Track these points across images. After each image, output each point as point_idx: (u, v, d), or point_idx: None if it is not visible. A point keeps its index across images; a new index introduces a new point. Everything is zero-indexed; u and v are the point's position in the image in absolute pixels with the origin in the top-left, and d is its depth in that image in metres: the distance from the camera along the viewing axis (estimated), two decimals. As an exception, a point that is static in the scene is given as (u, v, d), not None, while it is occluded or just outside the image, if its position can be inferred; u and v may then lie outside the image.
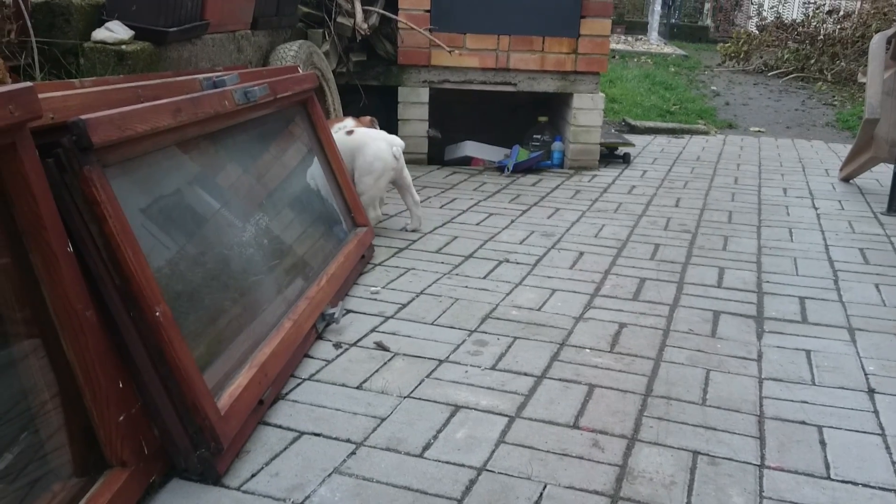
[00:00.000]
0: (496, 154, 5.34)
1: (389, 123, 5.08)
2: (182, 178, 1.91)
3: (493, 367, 2.22)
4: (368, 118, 3.64)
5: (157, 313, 1.52)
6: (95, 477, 1.43)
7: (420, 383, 2.11)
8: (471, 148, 5.36)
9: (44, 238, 1.38)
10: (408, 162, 5.03)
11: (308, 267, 2.47)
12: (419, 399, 2.02)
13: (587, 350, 2.37)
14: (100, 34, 2.41)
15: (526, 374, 2.19)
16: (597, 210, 4.11)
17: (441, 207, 4.05)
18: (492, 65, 5.01)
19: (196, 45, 2.93)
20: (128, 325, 1.52)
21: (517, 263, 3.17)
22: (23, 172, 1.35)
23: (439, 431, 1.87)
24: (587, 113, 5.08)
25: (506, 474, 1.71)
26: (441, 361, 2.25)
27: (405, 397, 2.03)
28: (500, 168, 5.06)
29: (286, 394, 2.02)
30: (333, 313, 2.38)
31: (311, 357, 2.24)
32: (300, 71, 3.04)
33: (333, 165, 3.06)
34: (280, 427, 1.86)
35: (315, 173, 2.88)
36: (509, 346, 2.37)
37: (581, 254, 3.33)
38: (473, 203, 4.16)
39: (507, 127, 5.50)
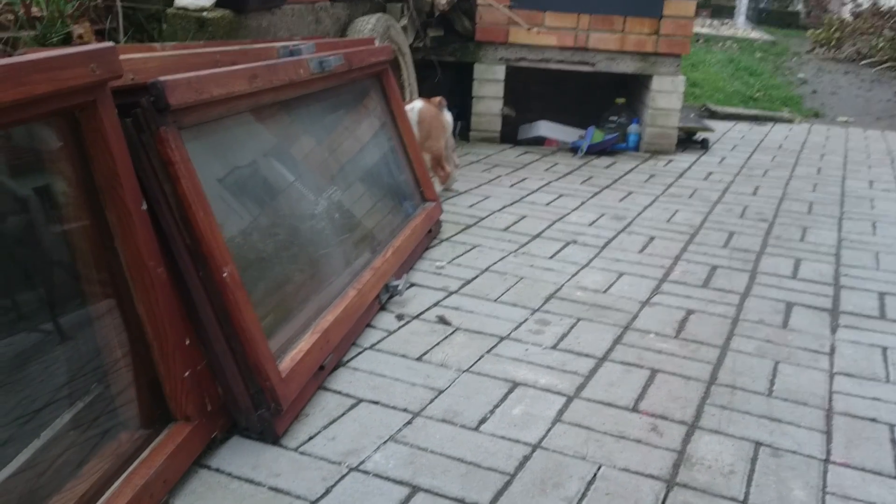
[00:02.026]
0: (570, 135, 5.28)
1: (464, 100, 5.07)
2: (256, 146, 1.95)
3: (553, 347, 2.21)
4: (438, 98, 3.64)
5: (225, 274, 1.55)
6: (160, 429, 1.48)
7: (480, 358, 2.11)
8: (544, 128, 5.31)
9: (119, 196, 1.42)
10: (480, 140, 5.05)
11: (375, 239, 2.49)
12: (478, 374, 2.02)
13: (652, 335, 2.33)
14: (182, 1, 2.46)
15: (587, 356, 2.17)
16: (670, 195, 4.03)
17: (511, 186, 4.03)
18: (570, 44, 4.94)
19: (275, 15, 2.96)
20: (196, 285, 1.56)
21: (585, 245, 3.14)
22: (102, 130, 1.39)
23: (496, 407, 1.87)
24: (666, 96, 4.97)
25: (560, 453, 1.70)
26: (502, 338, 2.25)
27: (464, 371, 2.03)
28: (574, 149, 5.01)
29: (347, 361, 2.05)
30: (397, 285, 2.40)
31: (374, 327, 2.26)
32: (376, 44, 3.05)
33: (405, 139, 3.07)
34: (339, 393, 1.88)
35: (386, 147, 2.90)
36: (572, 327, 2.35)
37: (651, 238, 3.27)
38: (544, 183, 4.13)
39: (584, 108, 5.43)
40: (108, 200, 1.41)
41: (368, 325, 2.27)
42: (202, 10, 2.47)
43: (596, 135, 4.99)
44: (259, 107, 1.96)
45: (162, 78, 1.51)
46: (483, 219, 3.41)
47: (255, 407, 1.62)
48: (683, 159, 4.96)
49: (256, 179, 1.90)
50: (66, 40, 2.06)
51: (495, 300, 2.52)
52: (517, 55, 4.97)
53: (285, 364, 1.70)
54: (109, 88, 1.42)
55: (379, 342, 2.18)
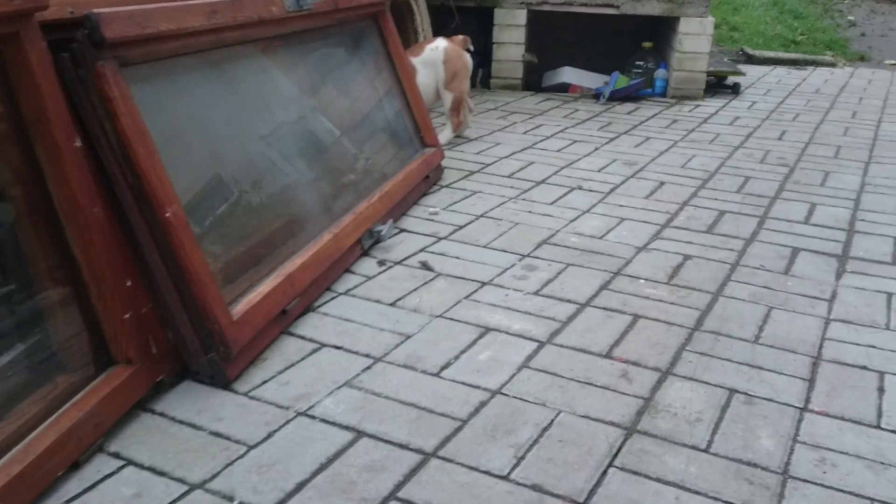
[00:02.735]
0: (595, 81, 5.13)
1: (487, 47, 4.95)
2: (221, 86, 1.89)
3: (535, 293, 2.14)
4: (461, 37, 3.54)
5: (168, 214, 1.51)
6: (100, 373, 1.45)
7: (456, 304, 2.05)
8: (568, 74, 5.17)
9: (49, 131, 1.38)
10: (501, 87, 4.93)
11: (362, 183, 2.43)
12: (450, 319, 1.97)
13: (641, 280, 2.25)
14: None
15: (569, 301, 2.10)
16: (690, 140, 3.89)
17: (524, 133, 3.93)
18: (587, -15, 4.76)
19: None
20: (141, 225, 1.53)
21: (590, 191, 3.04)
22: (27, 64, 1.35)
23: (462, 352, 1.82)
24: (694, 38, 4.78)
25: (520, 399, 1.64)
26: (483, 284, 2.19)
27: (437, 316, 1.98)
28: (597, 96, 4.86)
29: (318, 306, 2.01)
30: (381, 230, 2.34)
31: (353, 272, 2.22)
32: (373, -15, 2.96)
33: (404, 84, 2.99)
34: (303, 338, 1.85)
35: (382, 91, 2.82)
36: (559, 273, 2.28)
37: (661, 184, 3.16)
38: (559, 130, 4.01)
39: (613, 53, 5.25)
40: (36, 136, 1.38)
41: (347, 271, 2.23)
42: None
43: (620, 80, 4.83)
44: (223, 44, 1.90)
45: (97, 10, 1.46)
46: (488, 165, 3.33)
47: (205, 350, 1.59)
48: (711, 104, 4.78)
49: (219, 120, 1.85)
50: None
51: (485, 246, 2.46)
52: (538, -1, 4.81)
53: (240, 307, 1.67)
54: (35, 20, 1.37)
55: (355, 287, 2.13)
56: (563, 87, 5.15)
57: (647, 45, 5.06)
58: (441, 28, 4.91)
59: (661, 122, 4.28)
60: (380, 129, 2.73)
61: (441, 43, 3.47)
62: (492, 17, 4.89)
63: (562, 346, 1.86)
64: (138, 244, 1.55)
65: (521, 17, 4.84)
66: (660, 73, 4.98)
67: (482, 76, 5.11)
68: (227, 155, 1.84)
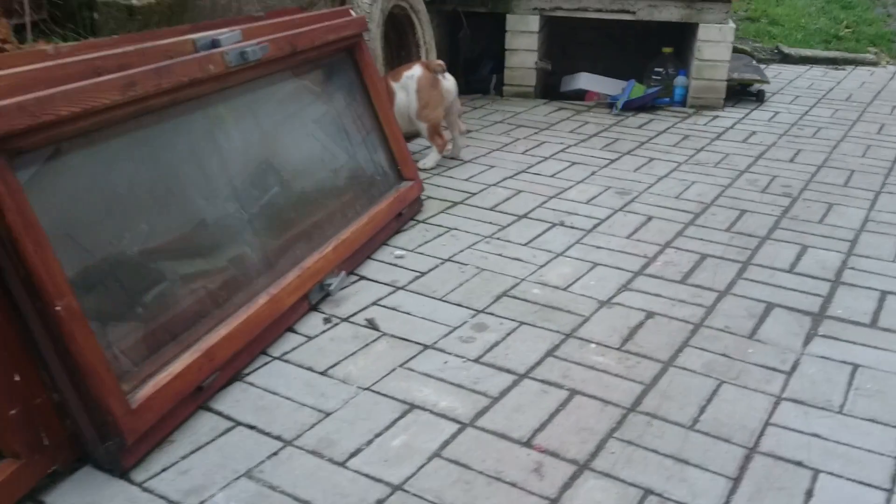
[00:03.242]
0: (613, 87, 4.99)
1: (497, 55, 4.84)
2: (144, 152, 1.87)
3: (477, 359, 2.09)
4: (438, 62, 3.47)
5: (59, 308, 1.50)
6: (-14, 468, 1.46)
7: (389, 373, 2.01)
8: (585, 80, 5.03)
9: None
10: (514, 95, 4.83)
11: (317, 233, 2.40)
12: (377, 393, 1.93)
13: (593, 345, 2.17)
14: (113, -13, 2.38)
15: (508, 371, 2.04)
16: (695, 162, 3.75)
17: (523, 153, 3.84)
18: (609, -9, 4.61)
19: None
20: (34, 317, 1.52)
21: (571, 228, 2.95)
22: None
23: (378, 435, 1.78)
24: (713, 46, 4.60)
25: (419, 497, 1.60)
26: (426, 347, 2.14)
27: (364, 389, 1.94)
28: (612, 105, 4.72)
29: (247, 374, 2.00)
30: (331, 284, 2.31)
31: (295, 331, 2.19)
32: (353, 14, 2.90)
33: (381, 115, 2.94)
34: (220, 414, 1.83)
35: (353, 126, 2.77)
36: (509, 334, 2.22)
37: (649, 219, 3.05)
38: (560, 149, 3.91)
39: (633, 57, 5.09)
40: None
41: (290, 329, 2.20)
42: (131, -4, 2.38)
43: (635, 89, 4.69)
44: (149, 111, 1.87)
45: (-18, 107, 1.44)
46: (473, 195, 3.26)
47: (102, 440, 1.58)
48: (730, 115, 4.61)
49: (141, 191, 1.82)
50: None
51: (440, 298, 2.41)
52: (552, 4, 4.69)
53: (144, 392, 1.65)
54: None
55: (291, 351, 2.11)
56: (581, 94, 5.02)
57: (668, 50, 4.89)
58: (448, 36, 4.83)
59: (671, 138, 4.14)
60: (346, 169, 2.68)
61: (416, 70, 3.40)
62: (504, 23, 4.77)
63: (483, 429, 1.81)
64: (33, 335, 1.53)
65: (534, 23, 4.72)
66: (679, 80, 4.82)
67: (496, 83, 5.01)
68: (147, 227, 1.82)
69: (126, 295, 1.73)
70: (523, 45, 4.80)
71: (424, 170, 3.50)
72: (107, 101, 1.70)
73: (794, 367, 2.09)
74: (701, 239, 2.88)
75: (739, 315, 2.35)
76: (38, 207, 1.54)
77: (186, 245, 1.93)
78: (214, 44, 2.16)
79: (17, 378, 1.50)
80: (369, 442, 1.76)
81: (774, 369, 2.08)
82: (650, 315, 2.34)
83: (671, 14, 4.61)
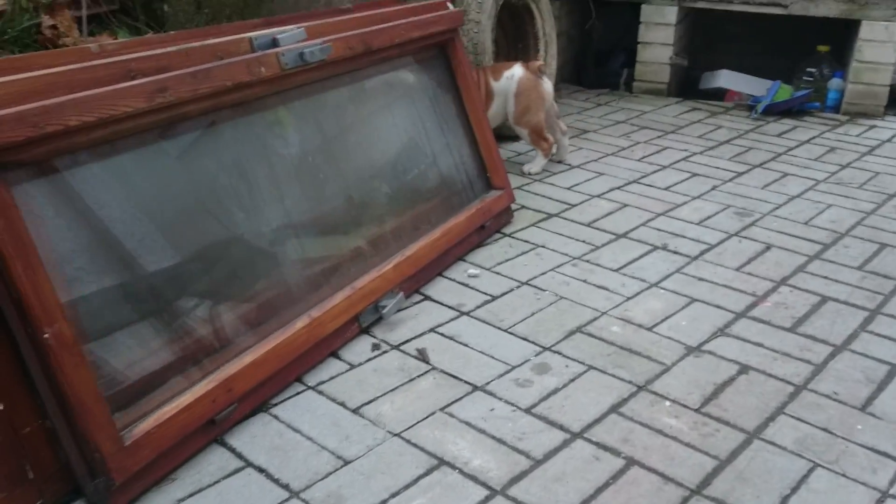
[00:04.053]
0: (757, 87, 4.53)
1: (631, 48, 4.50)
2: (170, 166, 1.75)
3: (528, 409, 1.86)
4: (539, 63, 3.21)
5: (47, 335, 1.40)
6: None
7: (426, 417, 1.82)
8: (726, 78, 4.60)
9: None
10: (645, 92, 4.49)
11: (377, 249, 2.23)
12: (406, 441, 1.74)
13: (667, 403, 1.89)
14: (183, -23, 2.28)
15: (560, 428, 1.79)
16: (836, 182, 3.30)
17: (640, 160, 3.51)
18: (758, -19, 4.16)
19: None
20: (25, 342, 1.42)
21: (674, 253, 2.64)
22: None
23: (394, 495, 1.59)
24: (877, 47, 4.06)
25: (418, 582, 1.39)
26: (475, 388, 1.93)
27: (395, 435, 1.76)
28: (752, 107, 4.28)
29: (276, 403, 1.86)
30: (385, 306, 2.13)
31: (339, 357, 2.04)
32: (450, 7, 2.69)
33: (472, 118, 2.72)
34: (233, 451, 1.70)
35: (435, 131, 2.57)
36: (572, 380, 1.97)
37: (767, 248, 2.69)
38: (682, 157, 3.55)
39: (785, 54, 4.59)
40: None
41: (333, 354, 2.04)
42: (200, -11, 2.27)
43: (781, 91, 4.22)
44: (181, 119, 1.74)
45: (-24, 117, 1.34)
46: (572, 206, 2.99)
47: (91, 476, 1.48)
48: (889, 126, 4.07)
49: (163, 208, 1.71)
50: (26, 34, 1.97)
51: (507, 329, 2.18)
52: (692, -6, 4.28)
53: (145, 426, 1.54)
54: None
55: (329, 380, 1.95)
56: (721, 93, 4.59)
57: (823, 48, 4.38)
58: (579, 26, 4.52)
59: (814, 149, 3.68)
60: (423, 177, 2.49)
61: (517, 71, 3.15)
62: (638, 13, 4.41)
63: (514, 500, 1.58)
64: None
65: (671, 14, 4.34)
66: (834, 82, 4.30)
67: (626, 78, 4.67)
68: (168, 247, 1.70)
69: (138, 323, 1.61)
70: (658, 39, 4.42)
71: (530, 175, 3.26)
72: (129, 108, 1.58)
73: (913, 456, 1.73)
74: (825, 277, 2.49)
75: (854, 378, 1.99)
76: (37, 225, 1.44)
77: (215, 265, 1.80)
78: (274, 43, 2.00)
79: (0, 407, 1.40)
80: (383, 503, 1.56)
81: (886, 455, 1.73)
82: (744, 370, 2.02)
83: (829, 9, 4.11)
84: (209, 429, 1.67)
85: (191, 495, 1.57)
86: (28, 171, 1.46)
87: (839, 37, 4.40)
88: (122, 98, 1.58)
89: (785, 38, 4.66)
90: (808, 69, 4.41)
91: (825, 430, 1.81)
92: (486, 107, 3.09)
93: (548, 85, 3.18)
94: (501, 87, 3.12)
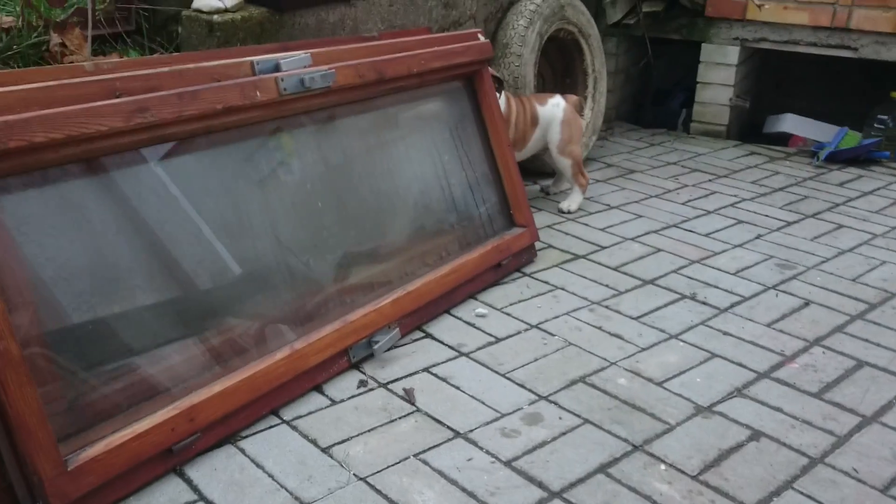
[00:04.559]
0: (824, 133, 4.32)
1: (691, 88, 4.36)
2: (153, 188, 1.71)
3: (508, 462, 1.74)
4: (577, 98, 3.13)
5: (-9, 351, 1.36)
6: None
7: (397, 462, 1.72)
8: (791, 123, 4.40)
9: None
10: (703, 133, 4.33)
11: (378, 283, 2.15)
12: (370, 486, 1.64)
13: (662, 466, 1.74)
14: (198, 1, 2.27)
15: (539, 485, 1.67)
16: (895, 237, 3.08)
17: (684, 203, 3.36)
18: (826, 23, 3.98)
19: (355, 7, 2.66)
20: (-27, 358, 1.39)
21: (702, 303, 2.48)
22: None
23: (344, 545, 1.49)
24: (954, 94, 3.81)
25: None
26: (456, 435, 1.82)
27: (361, 479, 1.67)
28: (815, 154, 4.07)
29: (246, 435, 1.79)
30: (378, 341, 2.05)
31: (321, 392, 1.96)
32: (481, 38, 2.63)
33: (496, 153, 2.64)
34: (189, 483, 1.63)
35: (453, 164, 2.49)
36: (564, 433, 1.84)
37: (806, 304, 2.50)
38: (730, 203, 3.38)
39: (858, 102, 4.37)
40: None
41: (316, 388, 1.97)
42: (214, 12, 2.25)
43: (847, 138, 4.01)
44: (166, 140, 1.72)
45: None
46: (602, 249, 2.86)
47: (32, 499, 1.43)
48: (965, 180, 3.80)
49: (140, 232, 1.67)
50: (34, 50, 1.98)
51: (504, 374, 2.07)
52: (756, 35, 4.12)
53: (92, 451, 1.49)
54: None
55: (306, 415, 1.87)
56: (784, 138, 4.39)
57: (896, 95, 4.14)
58: (635, 65, 4.40)
59: (877, 202, 3.46)
60: (435, 212, 2.41)
61: (561, 101, 3.06)
62: (698, 53, 4.26)
63: (471, 562, 1.46)
64: (-26, 376, 1.41)
65: (733, 54, 4.18)
66: (907, 132, 4.05)
67: (685, 118, 4.51)
68: (140, 272, 1.66)
69: (100, 348, 1.58)
70: (718, 79, 4.26)
71: (569, 213, 3.15)
72: (103, 128, 1.55)
73: (932, 548, 1.53)
74: (865, 340, 2.30)
75: (879, 455, 1.80)
76: (-9, 239, 1.41)
77: (190, 293, 1.74)
78: (277, 68, 1.97)
79: (-61, 421, 1.37)
80: (330, 552, 1.47)
81: (901, 545, 1.54)
82: (756, 436, 1.85)
83: (902, 53, 3.88)
84: (167, 457, 1.61)
85: (134, 528, 1.51)
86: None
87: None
88: (96, 116, 1.55)
89: (857, 84, 4.44)
90: (880, 116, 4.17)
91: (837, 510, 1.63)
92: (529, 133, 3.02)
93: (583, 121, 3.09)
94: (547, 114, 3.05)
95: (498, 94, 2.75)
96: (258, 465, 1.69)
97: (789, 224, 3.17)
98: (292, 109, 1.99)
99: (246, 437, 1.78)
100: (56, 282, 1.53)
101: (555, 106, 3.08)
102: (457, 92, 2.56)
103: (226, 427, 1.73)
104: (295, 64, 1.99)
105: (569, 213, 3.17)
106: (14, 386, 1.39)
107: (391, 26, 2.81)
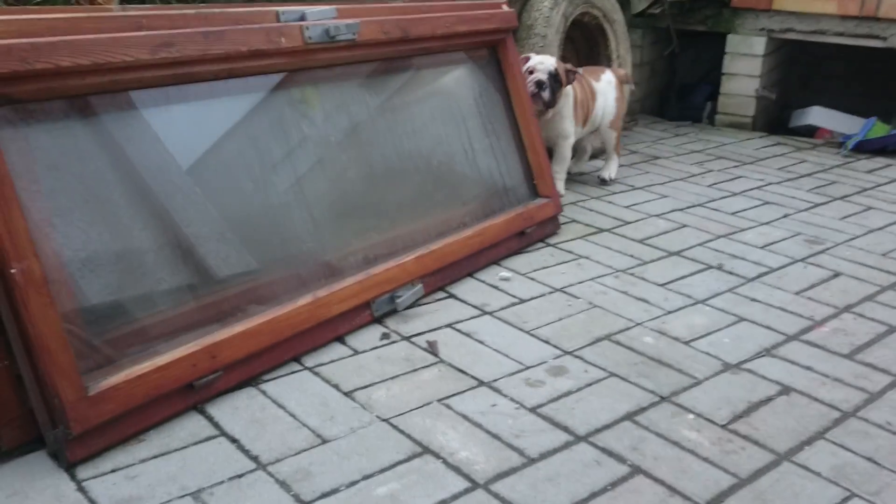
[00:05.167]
0: (850, 125, 4.27)
1: (717, 81, 4.33)
2: (180, 125, 1.71)
3: (533, 408, 1.71)
4: (623, 72, 3.16)
5: (14, 270, 1.36)
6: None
7: (420, 406, 1.69)
8: (817, 115, 4.36)
9: None
10: (729, 125, 4.29)
11: (403, 240, 2.13)
12: (393, 427, 1.62)
13: (691, 416, 1.70)
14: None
15: (564, 429, 1.64)
16: (926, 217, 3.02)
17: (710, 186, 3.33)
18: (854, 11, 3.94)
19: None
20: (-3, 278, 1.39)
21: (729, 273, 2.44)
22: None
23: (366, 478, 1.47)
24: (984, 83, 3.75)
25: (368, 566, 1.26)
26: (480, 384, 1.79)
27: (383, 420, 1.64)
28: (842, 144, 4.02)
29: (267, 379, 1.77)
30: (401, 296, 2.03)
31: (343, 343, 1.94)
32: (504, 8, 2.62)
33: (521, 123, 2.63)
34: (210, 419, 1.62)
35: (478, 131, 2.48)
36: (589, 384, 1.81)
37: (835, 275, 2.46)
38: (757, 185, 3.34)
39: (888, 96, 4.33)
40: None
41: (338, 339, 1.95)
42: (243, -31, 2.26)
43: (876, 128, 3.96)
44: (192, 80, 1.71)
45: (-38, 44, 1.33)
46: (626, 223, 2.83)
47: (52, 424, 1.42)
48: None
49: (165, 167, 1.67)
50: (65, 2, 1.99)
51: (528, 331, 2.04)
52: (783, 25, 4.09)
53: (113, 380, 1.48)
54: None
55: (328, 363, 1.85)
56: (811, 130, 4.35)
57: (926, 86, 4.08)
58: (665, 56, 4.38)
59: (906, 187, 3.40)
60: (458, 176, 2.40)
61: (612, 76, 3.14)
62: (724, 44, 4.24)
63: (496, 495, 1.44)
64: (-2, 297, 1.40)
65: (759, 45, 4.15)
66: (937, 122, 3.99)
67: (710, 111, 4.48)
68: (168, 208, 1.65)
69: (129, 283, 1.57)
70: (744, 70, 4.23)
71: (611, 180, 3.16)
72: (128, 58, 1.55)
73: (971, 494, 1.48)
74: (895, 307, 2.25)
75: (914, 410, 1.75)
76: (19, 161, 1.41)
77: (215, 235, 1.73)
78: (303, 18, 1.96)
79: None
80: (352, 484, 1.45)
81: (940, 490, 1.49)
82: (786, 391, 1.81)
83: (931, 41, 3.83)
84: (187, 394, 1.59)
85: (154, 457, 1.49)
86: (16, 108, 1.44)
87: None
88: (122, 46, 1.55)
89: (887, 78, 4.39)
90: (908, 108, 4.11)
91: (870, 459, 1.59)
92: (589, 108, 3.04)
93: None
94: (602, 89, 3.08)
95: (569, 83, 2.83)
96: (280, 406, 1.67)
97: (817, 205, 3.13)
98: (317, 60, 1.99)
99: (268, 380, 1.76)
100: (77, 209, 1.52)
101: (608, 82, 3.15)
102: (482, 60, 2.56)
103: (248, 368, 1.71)
104: (320, 15, 1.98)
105: (612, 180, 3.16)
106: (36, 306, 1.39)
107: (416, -1, 2.81)
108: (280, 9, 1.94)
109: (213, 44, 1.71)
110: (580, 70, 2.94)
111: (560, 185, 2.97)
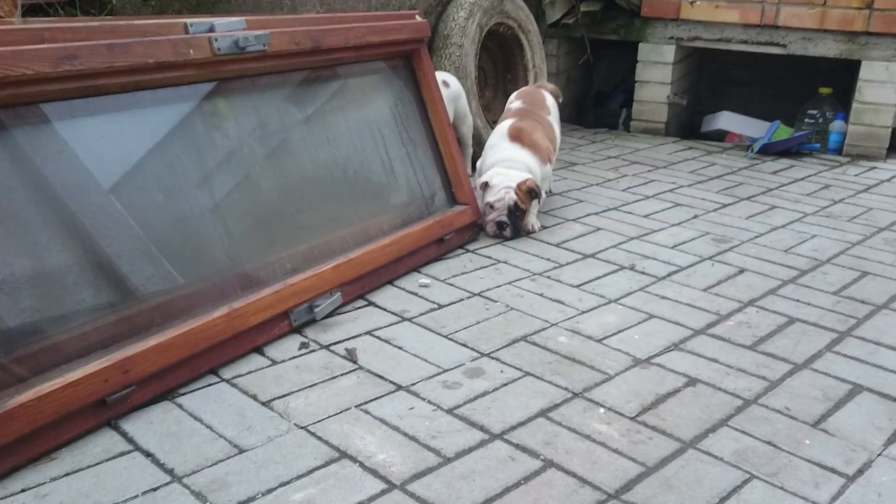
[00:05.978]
0: (758, 129, 4.45)
1: (632, 89, 4.46)
2: (85, 139, 1.69)
3: (450, 410, 1.74)
4: (553, 86, 3.20)
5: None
6: None
7: (338, 413, 1.71)
8: (726, 120, 4.53)
9: None
10: (642, 131, 4.42)
11: (319, 250, 2.15)
12: (311, 434, 1.63)
13: (601, 410, 1.76)
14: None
15: (480, 428, 1.67)
16: (825, 215, 3.18)
17: (624, 190, 3.42)
18: (755, 20, 4.12)
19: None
20: None
21: (640, 273, 2.52)
22: None
23: (283, 484, 1.48)
24: (878, 87, 3.96)
25: (284, 570, 1.27)
26: (398, 388, 1.82)
27: (300, 427, 1.65)
28: (749, 146, 4.18)
29: (183, 392, 1.76)
30: (319, 305, 2.04)
31: (262, 353, 1.94)
32: (417, 18, 2.66)
33: (437, 131, 2.67)
34: (124, 435, 1.60)
35: (393, 140, 2.51)
36: (505, 385, 1.85)
37: (740, 271, 2.56)
38: (669, 189, 3.45)
39: (791, 100, 4.52)
40: None
41: (257, 350, 1.95)
42: (149, -19, 2.26)
43: (779, 131, 4.13)
44: (97, 94, 1.70)
45: None
46: (544, 228, 2.89)
47: (-46, 444, 1.39)
48: (891, 168, 3.94)
49: (68, 182, 1.65)
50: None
51: (446, 336, 2.08)
52: (690, 33, 4.24)
53: (20, 399, 1.45)
54: None
55: (246, 374, 1.85)
56: (721, 135, 4.51)
57: (825, 91, 4.30)
58: (581, 66, 4.49)
59: (808, 186, 3.57)
60: (375, 185, 2.42)
61: (550, 96, 3.19)
62: (636, 55, 4.37)
63: (412, 495, 1.46)
64: None
65: (669, 53, 4.29)
66: (836, 125, 4.20)
67: (625, 118, 4.61)
68: (73, 222, 1.63)
69: (44, 302, 1.54)
70: (655, 78, 4.37)
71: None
72: (29, 71, 1.53)
73: (861, 472, 1.58)
74: (797, 300, 2.36)
75: (810, 395, 1.85)
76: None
77: (123, 249, 1.72)
78: (211, 30, 1.97)
79: None
80: (269, 491, 1.46)
81: (832, 470, 1.58)
82: (692, 382, 1.89)
83: (828, 49, 4.03)
84: (100, 409, 1.58)
85: (66, 475, 1.48)
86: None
87: (843, 80, 4.32)
88: (22, 59, 1.54)
89: (790, 83, 4.60)
90: (810, 111, 4.32)
91: (769, 443, 1.67)
92: (554, 143, 3.02)
93: None
94: (554, 115, 3.11)
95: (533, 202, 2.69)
96: (196, 418, 1.67)
97: (725, 206, 3.26)
98: (228, 72, 1.99)
99: (184, 393, 1.76)
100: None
101: (553, 105, 3.19)
102: (397, 70, 2.59)
103: (163, 382, 1.70)
104: (229, 26, 1.99)
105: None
106: (-62, 326, 1.36)
107: (328, 8, 2.83)
108: (189, 20, 1.94)
109: (119, 56, 1.71)
110: (542, 193, 2.75)
111: (535, 221, 2.84)
